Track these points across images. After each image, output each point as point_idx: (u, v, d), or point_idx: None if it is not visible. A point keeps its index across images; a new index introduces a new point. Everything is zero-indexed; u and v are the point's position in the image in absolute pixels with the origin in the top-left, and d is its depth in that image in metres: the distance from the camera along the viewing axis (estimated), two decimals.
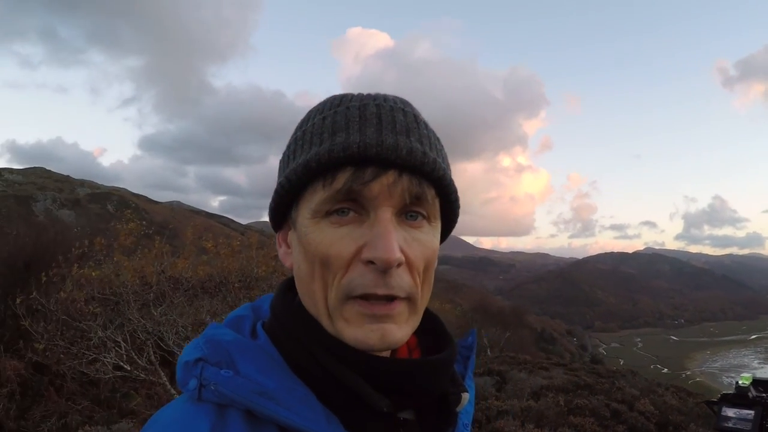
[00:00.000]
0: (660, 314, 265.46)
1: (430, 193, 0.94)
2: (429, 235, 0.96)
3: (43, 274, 12.25)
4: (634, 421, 11.97)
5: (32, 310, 11.71)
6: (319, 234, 0.91)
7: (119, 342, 10.22)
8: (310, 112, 1.02)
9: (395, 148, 0.89)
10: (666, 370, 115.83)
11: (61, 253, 13.38)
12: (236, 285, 12.07)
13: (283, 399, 0.86)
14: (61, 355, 10.88)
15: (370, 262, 0.88)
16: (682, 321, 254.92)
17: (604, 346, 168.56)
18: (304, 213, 0.94)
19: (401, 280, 0.90)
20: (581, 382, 16.88)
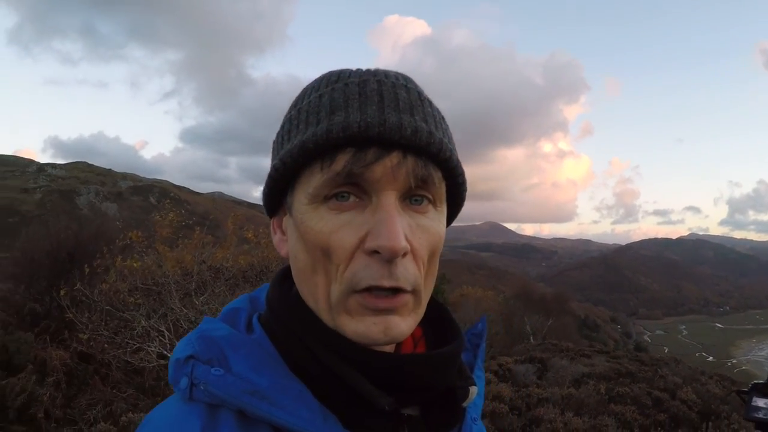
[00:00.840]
0: (705, 301, 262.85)
1: (437, 176, 0.87)
2: (435, 221, 0.89)
3: (87, 265, 12.42)
4: (676, 410, 11.81)
5: (76, 301, 11.89)
6: (318, 221, 0.84)
7: (162, 331, 10.34)
8: (306, 89, 0.95)
9: (399, 127, 0.82)
10: (711, 358, 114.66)
11: (104, 245, 13.56)
12: None
13: (276, 398, 0.81)
14: (105, 345, 11.05)
15: (375, 252, 0.81)
16: (728, 308, 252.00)
17: (649, 333, 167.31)
18: (301, 198, 0.87)
19: (406, 271, 0.83)
20: (623, 370, 16.80)
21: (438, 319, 1.03)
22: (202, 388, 0.81)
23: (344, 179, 0.82)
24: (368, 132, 0.81)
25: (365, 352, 0.85)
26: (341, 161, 0.82)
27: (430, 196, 0.88)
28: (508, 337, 41.13)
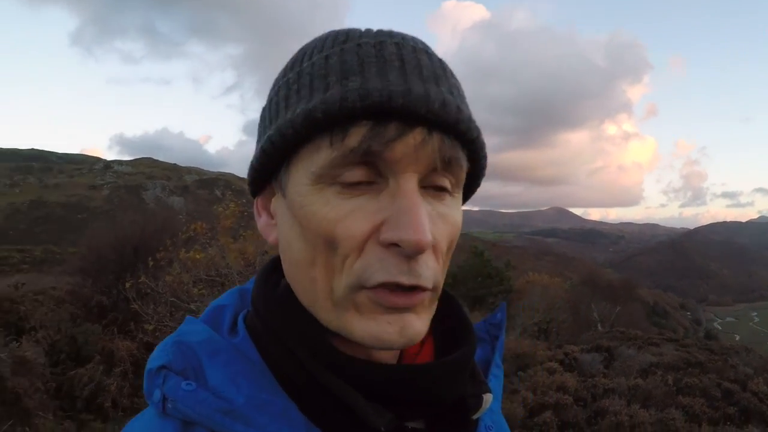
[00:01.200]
0: None
1: (463, 157, 0.75)
2: (453, 208, 0.77)
3: (151, 258, 12.61)
4: (747, 403, 11.42)
5: (142, 294, 12.07)
6: (322, 206, 0.71)
7: None
8: (304, 49, 0.80)
9: (426, 99, 0.68)
10: None
11: (168, 238, 13.77)
12: None
13: (253, 417, 0.69)
14: None
15: (394, 245, 0.68)
16: None
17: (719, 320, 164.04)
18: (301, 177, 0.73)
19: (428, 268, 0.71)
20: (692, 360, 16.39)
21: (448, 315, 0.89)
22: (170, 405, 0.71)
23: (360, 158, 0.69)
24: (391, 103, 0.67)
25: (360, 362, 0.73)
26: (356, 136, 0.68)
27: (453, 180, 0.76)
28: (575, 325, 40.73)
